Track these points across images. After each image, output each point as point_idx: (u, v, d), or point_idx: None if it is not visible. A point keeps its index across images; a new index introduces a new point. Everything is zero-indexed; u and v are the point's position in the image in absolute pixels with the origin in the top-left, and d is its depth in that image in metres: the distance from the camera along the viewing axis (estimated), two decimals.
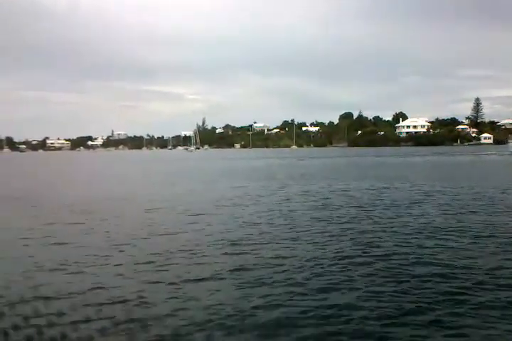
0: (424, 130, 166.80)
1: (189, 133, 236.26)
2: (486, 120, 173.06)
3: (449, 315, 5.71)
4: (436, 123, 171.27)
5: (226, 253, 8.87)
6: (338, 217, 12.97)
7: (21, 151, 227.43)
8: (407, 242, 9.59)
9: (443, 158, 60.27)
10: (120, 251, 9.27)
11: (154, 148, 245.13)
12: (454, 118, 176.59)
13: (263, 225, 11.87)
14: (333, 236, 10.33)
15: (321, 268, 7.76)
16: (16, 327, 5.46)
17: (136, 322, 5.57)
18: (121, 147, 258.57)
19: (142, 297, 6.46)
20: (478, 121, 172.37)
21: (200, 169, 44.17)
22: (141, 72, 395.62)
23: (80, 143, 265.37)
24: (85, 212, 14.62)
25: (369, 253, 8.72)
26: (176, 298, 6.46)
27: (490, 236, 10.03)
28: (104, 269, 7.93)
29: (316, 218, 12.81)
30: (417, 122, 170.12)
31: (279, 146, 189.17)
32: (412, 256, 8.45)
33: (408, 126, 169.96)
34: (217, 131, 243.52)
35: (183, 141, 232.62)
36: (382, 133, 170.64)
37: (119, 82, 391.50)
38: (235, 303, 6.19)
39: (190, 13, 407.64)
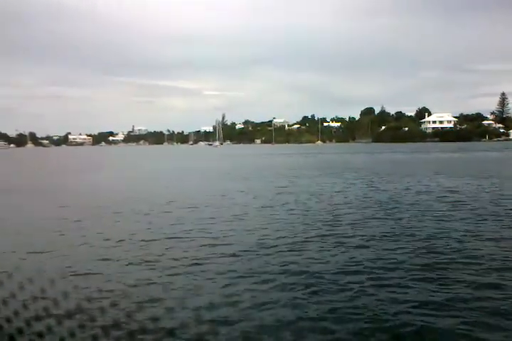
0: (451, 125, 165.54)
1: (209, 128, 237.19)
2: None
3: None
4: (461, 119, 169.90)
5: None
6: None
7: (44, 146, 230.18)
8: None
9: (493, 154, 59.92)
10: None
11: (175, 143, 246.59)
12: (479, 113, 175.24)
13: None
14: None
15: None
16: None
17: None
18: (141, 142, 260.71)
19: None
20: (504, 116, 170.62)
21: (269, 165, 44.00)
22: (159, 68, 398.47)
23: (101, 138, 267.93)
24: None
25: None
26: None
27: None
28: None
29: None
30: (443, 117, 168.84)
31: (301, 142, 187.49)
32: None
33: (434, 122, 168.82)
34: (237, 126, 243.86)
35: (204, 136, 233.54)
36: (406, 128, 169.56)
37: (138, 78, 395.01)
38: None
39: (213, 11, 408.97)
